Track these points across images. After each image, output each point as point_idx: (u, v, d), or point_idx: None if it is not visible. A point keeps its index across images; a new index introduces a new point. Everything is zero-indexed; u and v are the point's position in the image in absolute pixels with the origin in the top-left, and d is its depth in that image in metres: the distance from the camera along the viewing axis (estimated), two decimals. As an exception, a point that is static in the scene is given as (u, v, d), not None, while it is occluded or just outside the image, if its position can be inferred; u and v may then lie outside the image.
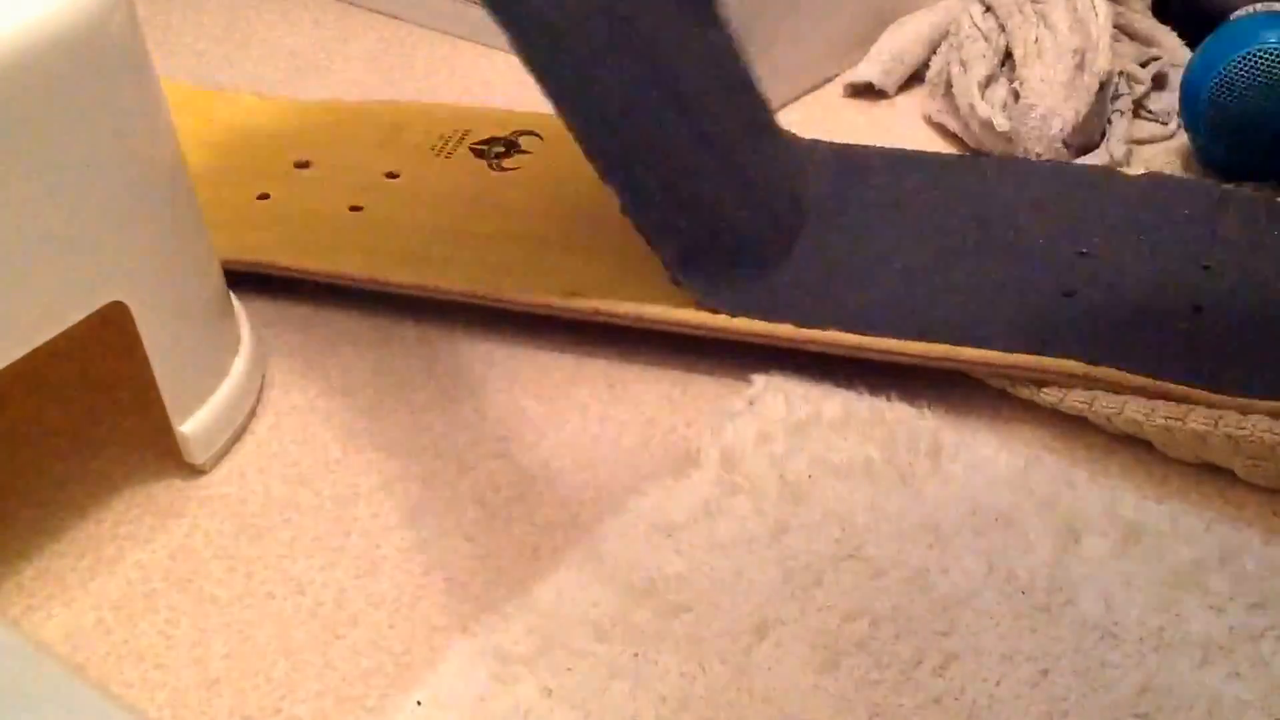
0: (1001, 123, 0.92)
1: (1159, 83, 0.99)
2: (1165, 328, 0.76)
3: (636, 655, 0.60)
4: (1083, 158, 0.91)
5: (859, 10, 1.05)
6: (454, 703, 0.59)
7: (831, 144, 0.92)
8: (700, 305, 0.77)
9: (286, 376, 0.78)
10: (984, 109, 0.93)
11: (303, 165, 0.93)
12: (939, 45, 1.03)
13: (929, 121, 1.00)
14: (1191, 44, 1.02)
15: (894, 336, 0.75)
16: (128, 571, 0.66)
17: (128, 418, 0.75)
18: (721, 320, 0.77)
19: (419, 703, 0.59)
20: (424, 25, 1.15)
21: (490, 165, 0.91)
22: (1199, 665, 0.59)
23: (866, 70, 1.03)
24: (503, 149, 0.93)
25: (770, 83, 1.01)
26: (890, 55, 1.04)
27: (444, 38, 1.14)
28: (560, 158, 0.91)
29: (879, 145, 0.92)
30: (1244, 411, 0.68)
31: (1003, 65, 0.96)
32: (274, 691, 0.60)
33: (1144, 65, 0.99)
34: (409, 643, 0.62)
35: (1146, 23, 1.02)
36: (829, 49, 1.04)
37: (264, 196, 0.89)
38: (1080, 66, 0.92)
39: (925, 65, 1.03)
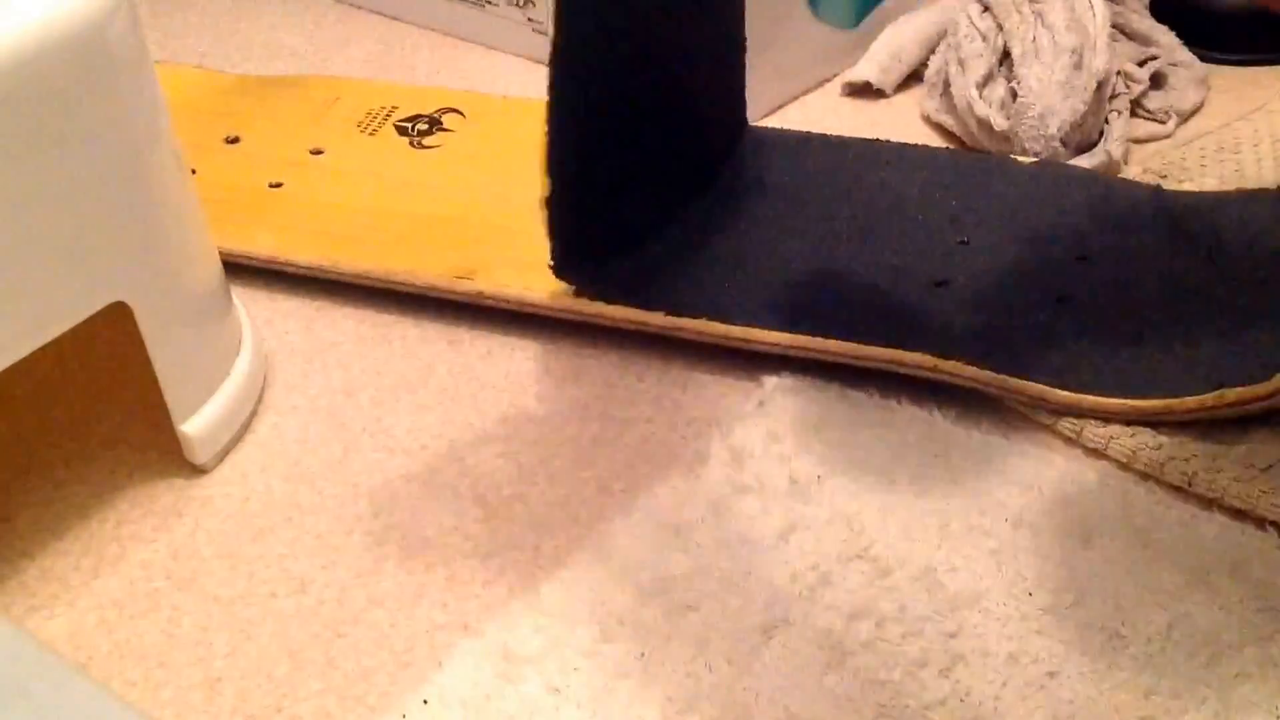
0: (999, 122, 0.92)
1: (1156, 82, 0.99)
2: (1025, 319, 0.75)
3: (643, 655, 0.60)
4: (1080, 157, 0.91)
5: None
6: (460, 701, 0.59)
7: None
8: (577, 294, 0.77)
9: (288, 376, 0.78)
10: (981, 108, 0.93)
11: (233, 141, 0.94)
12: (937, 45, 1.03)
13: (927, 121, 1.00)
14: (1188, 42, 1.02)
15: (760, 326, 0.75)
16: (130, 571, 0.66)
17: (129, 418, 0.75)
18: (598, 307, 0.77)
19: (425, 701, 0.59)
20: (425, 27, 1.15)
21: (412, 143, 0.92)
22: (1206, 664, 0.59)
23: (864, 69, 1.03)
24: (426, 126, 0.93)
25: (771, 82, 1.01)
26: (888, 54, 1.04)
27: (445, 39, 1.14)
28: (479, 136, 0.92)
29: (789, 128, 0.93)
30: (1082, 411, 0.70)
31: (1001, 65, 0.96)
32: (276, 690, 0.60)
33: (1141, 64, 0.99)
34: (410, 641, 0.62)
35: (1144, 22, 1.03)
36: (829, 48, 1.04)
37: (190, 172, 0.89)
38: (1078, 66, 0.92)
39: (924, 65, 1.04)
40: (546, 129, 0.71)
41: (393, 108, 0.96)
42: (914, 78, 1.04)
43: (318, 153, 0.92)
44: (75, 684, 0.60)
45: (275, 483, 0.71)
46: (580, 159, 0.75)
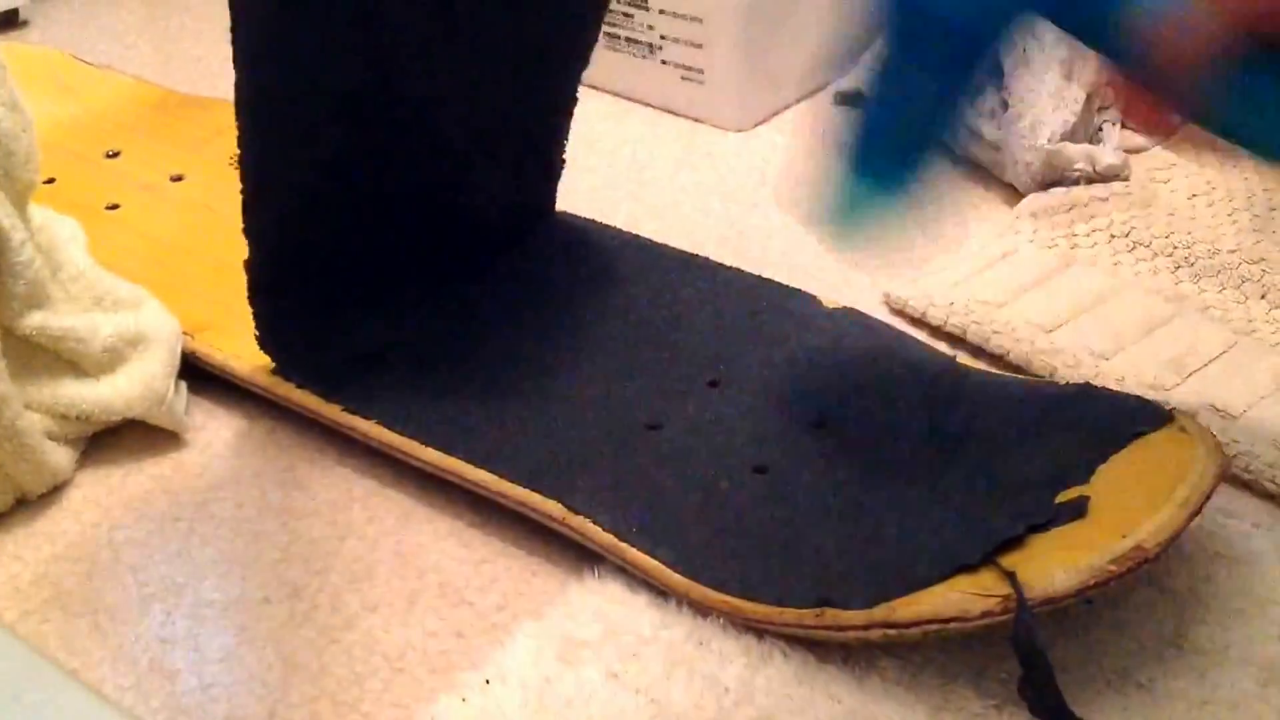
0: (989, 131, 0.92)
1: (1145, 94, 0.99)
2: (706, 486, 0.65)
3: (701, 644, 0.60)
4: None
5: (854, 19, 1.05)
6: (521, 683, 0.59)
7: (615, 231, 0.83)
8: (274, 372, 0.71)
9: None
10: (971, 117, 0.93)
11: (113, 155, 0.92)
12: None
13: (917, 129, 1.00)
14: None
15: (421, 440, 0.68)
16: (123, 576, 0.66)
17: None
18: (286, 389, 0.71)
19: (487, 681, 0.59)
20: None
21: None
22: (1263, 684, 0.58)
23: (857, 78, 1.03)
24: None
25: (765, 90, 1.01)
26: (881, 65, 1.04)
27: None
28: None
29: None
30: (691, 600, 0.61)
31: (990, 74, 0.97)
32: (269, 696, 0.60)
33: (1130, 76, 0.99)
34: (403, 648, 0.62)
35: (1134, 34, 1.03)
36: (821, 57, 1.04)
37: (49, 181, 0.87)
38: (1068, 76, 0.92)
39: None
40: (241, 182, 0.64)
41: None
42: (906, 87, 1.05)
43: (177, 179, 0.89)
44: (68, 690, 0.60)
45: (269, 488, 0.71)
46: (283, 224, 0.67)
